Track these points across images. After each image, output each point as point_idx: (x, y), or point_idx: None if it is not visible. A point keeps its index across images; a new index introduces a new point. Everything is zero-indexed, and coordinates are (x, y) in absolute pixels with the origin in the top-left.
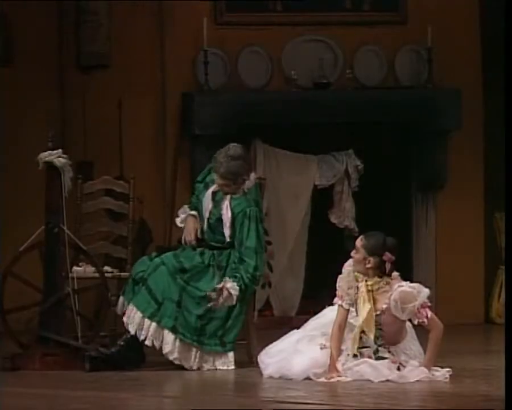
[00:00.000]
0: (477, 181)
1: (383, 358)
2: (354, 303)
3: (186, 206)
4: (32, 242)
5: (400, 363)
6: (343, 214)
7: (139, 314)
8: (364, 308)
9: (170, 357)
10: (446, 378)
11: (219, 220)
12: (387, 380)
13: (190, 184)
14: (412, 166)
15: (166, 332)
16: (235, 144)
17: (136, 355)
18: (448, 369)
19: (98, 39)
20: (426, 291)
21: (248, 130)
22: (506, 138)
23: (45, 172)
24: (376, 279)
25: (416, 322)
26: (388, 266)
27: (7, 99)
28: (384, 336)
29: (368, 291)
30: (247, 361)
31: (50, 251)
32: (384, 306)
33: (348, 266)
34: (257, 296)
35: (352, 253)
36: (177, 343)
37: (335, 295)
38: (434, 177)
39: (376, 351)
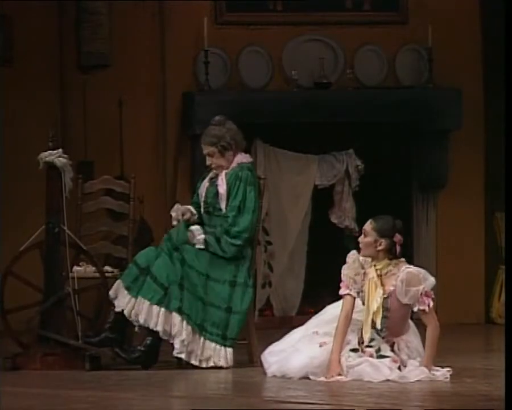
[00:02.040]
0: (477, 181)
1: (385, 356)
2: (361, 291)
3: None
4: (33, 242)
5: (401, 362)
6: (344, 214)
7: (146, 303)
8: (377, 293)
9: (178, 339)
10: (447, 378)
11: (216, 195)
12: (387, 380)
13: (190, 184)
14: (413, 166)
15: (174, 314)
16: (219, 115)
17: (154, 358)
18: (448, 368)
19: (98, 39)
20: (432, 280)
21: (248, 129)
22: (506, 137)
23: (45, 172)
24: (386, 261)
25: (416, 308)
26: (398, 248)
27: (7, 99)
28: (389, 325)
29: (378, 276)
30: (247, 361)
31: (50, 251)
32: (392, 288)
33: (352, 255)
34: (258, 296)
35: (361, 238)
36: (184, 325)
37: (335, 295)
38: (434, 177)
39: (378, 350)
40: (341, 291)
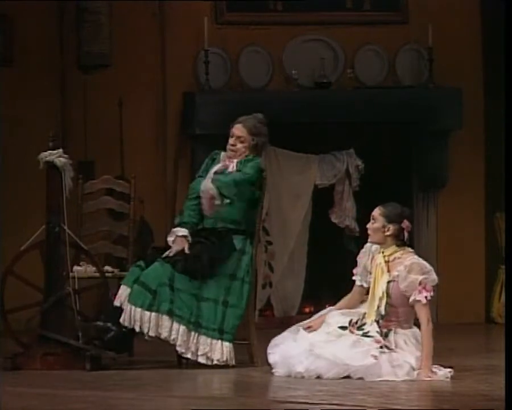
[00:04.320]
0: (477, 180)
1: (369, 336)
2: (367, 279)
3: (178, 228)
4: (33, 241)
5: (387, 346)
6: (344, 214)
7: (138, 310)
8: (383, 279)
9: (169, 340)
10: (448, 378)
11: None
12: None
13: (190, 184)
14: (413, 166)
15: (164, 317)
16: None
17: (126, 346)
18: (449, 369)
19: (98, 39)
20: (435, 278)
21: None
22: (506, 137)
23: (45, 172)
24: (394, 248)
25: (412, 298)
26: (405, 234)
27: (7, 99)
28: (389, 312)
29: (385, 262)
30: (248, 361)
31: (51, 250)
32: (396, 273)
33: (366, 245)
34: (258, 296)
35: (369, 224)
36: (175, 325)
37: (336, 295)
38: (435, 177)
39: (366, 333)
40: (354, 277)
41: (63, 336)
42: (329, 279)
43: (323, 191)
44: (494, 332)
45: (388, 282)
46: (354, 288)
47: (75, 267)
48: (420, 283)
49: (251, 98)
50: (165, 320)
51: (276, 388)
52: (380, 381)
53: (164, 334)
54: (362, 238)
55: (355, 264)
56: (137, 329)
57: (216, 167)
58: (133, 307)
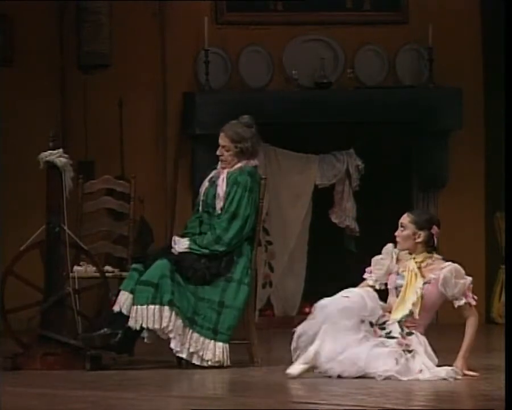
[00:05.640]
0: (477, 180)
1: (392, 337)
2: (384, 284)
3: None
4: (33, 241)
5: (407, 346)
6: (344, 214)
7: (143, 308)
8: (417, 283)
9: (166, 331)
10: (451, 378)
11: (215, 196)
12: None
13: (190, 184)
14: (413, 166)
15: (165, 307)
16: (248, 115)
17: (128, 347)
18: (453, 368)
19: (98, 39)
20: (471, 278)
21: None
22: (506, 137)
23: (46, 172)
24: (426, 254)
25: (462, 302)
26: (435, 240)
27: (7, 99)
28: (421, 315)
29: (418, 268)
30: (247, 361)
31: (51, 250)
32: (432, 276)
33: (387, 247)
34: (258, 296)
35: (398, 232)
36: (174, 318)
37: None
38: (435, 177)
39: (389, 332)
40: (365, 275)
41: (63, 336)
42: (329, 279)
43: (323, 191)
44: (494, 332)
45: (424, 283)
46: (362, 285)
47: (75, 267)
48: (467, 286)
49: (251, 98)
50: (166, 310)
51: (276, 388)
52: (381, 381)
53: (164, 324)
54: (362, 238)
55: (355, 263)
56: (144, 325)
57: (212, 173)
58: (138, 307)
